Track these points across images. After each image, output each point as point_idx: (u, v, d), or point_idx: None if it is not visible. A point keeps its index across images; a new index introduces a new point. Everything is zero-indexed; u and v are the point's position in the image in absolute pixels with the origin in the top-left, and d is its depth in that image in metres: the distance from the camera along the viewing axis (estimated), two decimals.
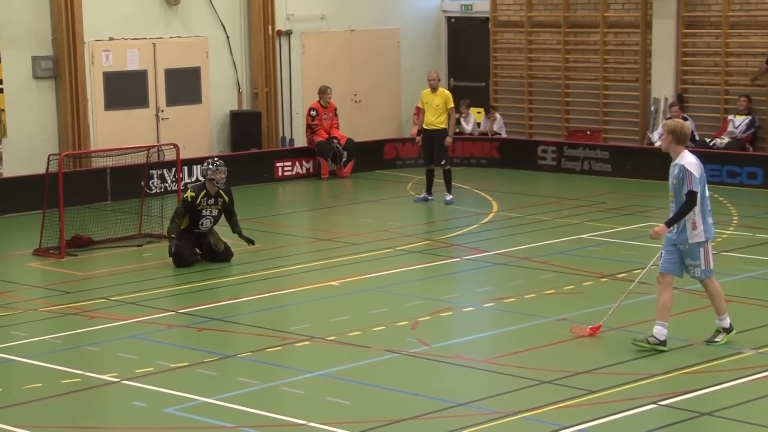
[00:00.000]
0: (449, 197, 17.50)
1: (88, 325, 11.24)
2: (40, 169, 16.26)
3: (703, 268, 9.87)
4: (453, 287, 12.68)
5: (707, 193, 9.92)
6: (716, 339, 10.10)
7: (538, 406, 8.79)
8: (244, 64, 20.25)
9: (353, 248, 14.43)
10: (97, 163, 17.47)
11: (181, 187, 15.33)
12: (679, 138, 9.83)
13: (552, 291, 11.99)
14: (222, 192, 13.78)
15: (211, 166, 13.65)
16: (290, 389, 9.26)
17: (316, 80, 20.60)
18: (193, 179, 18.31)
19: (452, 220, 16.47)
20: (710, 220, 9.92)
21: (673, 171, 9.84)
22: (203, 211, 13.64)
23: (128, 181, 17.19)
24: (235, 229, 13.94)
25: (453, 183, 17.65)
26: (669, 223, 9.81)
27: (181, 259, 13.44)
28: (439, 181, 17.62)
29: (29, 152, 17.90)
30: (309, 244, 15.06)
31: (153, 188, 17.90)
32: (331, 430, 8.33)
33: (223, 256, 13.69)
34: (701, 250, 9.83)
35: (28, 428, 8.44)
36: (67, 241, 14.33)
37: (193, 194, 13.63)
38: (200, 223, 13.66)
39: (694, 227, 9.81)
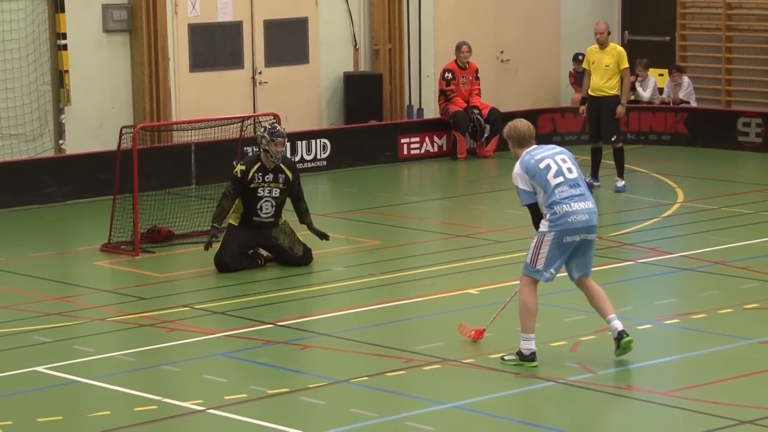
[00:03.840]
0: (621, 183, 17.35)
1: (166, 339, 11.44)
2: (110, 145, 16.64)
3: (526, 260, 10.38)
4: (625, 298, 12.56)
5: (558, 179, 10.21)
6: (506, 356, 10.41)
7: None
8: (363, 15, 20.37)
9: (497, 247, 14.41)
10: (180, 137, 17.79)
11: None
12: (519, 141, 10.58)
13: (755, 305, 11.79)
14: (283, 166, 13.40)
15: (266, 135, 13.25)
16: (416, 424, 9.28)
17: (453, 35, 20.62)
18: (297, 158, 18.50)
19: (625, 212, 16.34)
20: (561, 209, 10.15)
21: None
22: (259, 190, 13.27)
23: (217, 160, 17.45)
24: (304, 219, 13.62)
25: (626, 165, 17.52)
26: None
27: (221, 266, 13.30)
28: (608, 162, 17.47)
29: (98, 123, 18.34)
30: (441, 242, 15.07)
31: None
32: None
33: (302, 260, 13.55)
34: (533, 240, 10.37)
35: None
36: (142, 234, 14.61)
37: (243, 167, 13.26)
38: (258, 207, 13.31)
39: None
